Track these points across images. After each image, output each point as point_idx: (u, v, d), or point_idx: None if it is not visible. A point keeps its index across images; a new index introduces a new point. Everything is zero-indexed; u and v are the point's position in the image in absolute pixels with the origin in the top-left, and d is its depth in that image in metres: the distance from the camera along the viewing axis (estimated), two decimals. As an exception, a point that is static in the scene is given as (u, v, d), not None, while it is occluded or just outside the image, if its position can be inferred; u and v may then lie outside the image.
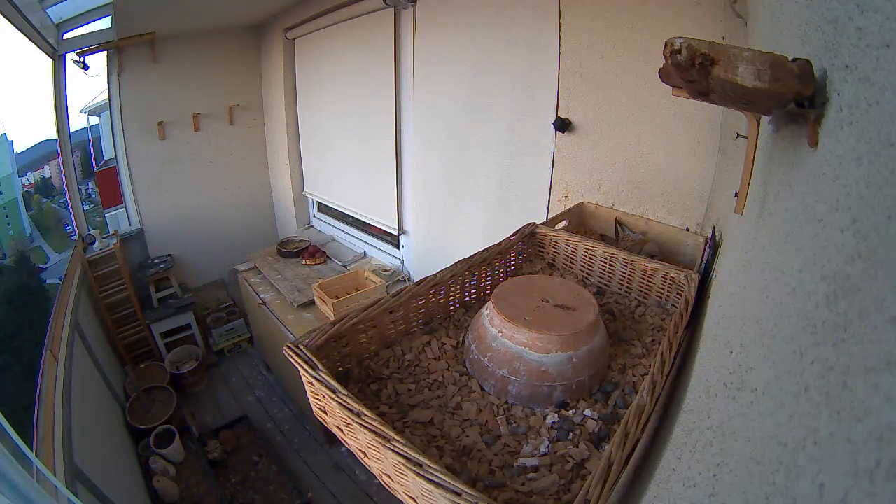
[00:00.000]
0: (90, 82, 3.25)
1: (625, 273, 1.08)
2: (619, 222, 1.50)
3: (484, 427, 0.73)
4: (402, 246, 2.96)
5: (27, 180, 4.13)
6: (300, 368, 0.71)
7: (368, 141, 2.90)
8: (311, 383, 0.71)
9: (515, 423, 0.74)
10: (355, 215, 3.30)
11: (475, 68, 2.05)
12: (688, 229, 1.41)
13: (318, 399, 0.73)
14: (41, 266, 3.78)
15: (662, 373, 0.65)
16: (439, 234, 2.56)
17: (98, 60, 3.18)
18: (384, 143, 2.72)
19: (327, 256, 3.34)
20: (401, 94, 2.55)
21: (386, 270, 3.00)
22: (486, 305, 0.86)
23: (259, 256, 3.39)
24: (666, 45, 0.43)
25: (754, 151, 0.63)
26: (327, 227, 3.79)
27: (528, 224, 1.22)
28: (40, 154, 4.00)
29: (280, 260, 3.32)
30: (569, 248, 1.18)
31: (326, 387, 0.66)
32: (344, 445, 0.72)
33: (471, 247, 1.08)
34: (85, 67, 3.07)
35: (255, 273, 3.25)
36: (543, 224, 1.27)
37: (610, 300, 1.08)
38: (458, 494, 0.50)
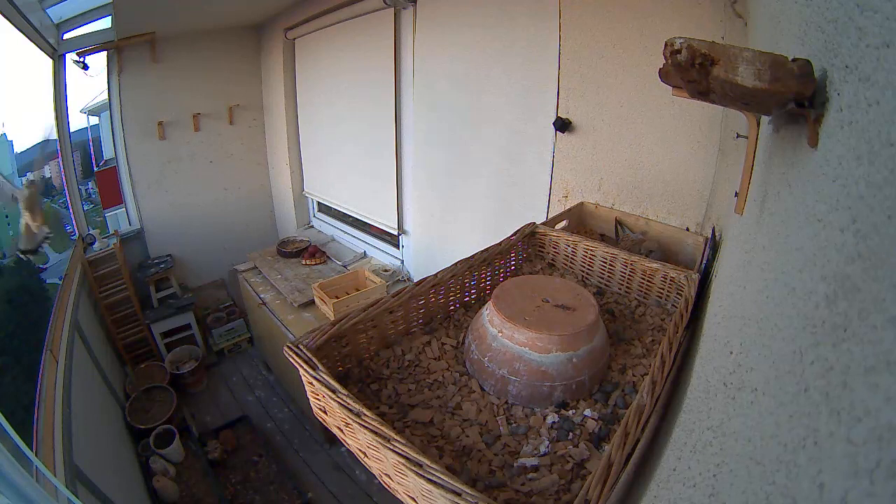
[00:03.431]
0: (90, 82, 3.25)
1: (625, 273, 1.08)
2: (619, 222, 1.50)
3: (484, 427, 0.73)
4: (402, 246, 2.96)
5: (27, 180, 4.12)
6: (300, 368, 0.71)
7: (368, 141, 2.90)
8: (311, 383, 0.71)
9: (515, 423, 0.74)
10: (355, 215, 3.30)
11: (475, 68, 2.04)
12: (688, 229, 1.41)
13: (318, 399, 0.73)
14: (41, 266, 3.78)
15: (662, 373, 0.65)
16: (439, 234, 2.56)
17: (98, 60, 3.18)
18: (384, 142, 2.72)
19: (327, 256, 3.34)
20: (401, 94, 2.55)
21: (386, 270, 3.00)
22: (486, 305, 0.86)
23: (259, 256, 3.39)
24: (666, 45, 0.43)
25: (754, 151, 0.63)
26: (327, 227, 3.79)
27: (528, 224, 1.22)
28: (40, 154, 3.99)
29: (280, 260, 3.32)
30: (569, 248, 1.18)
31: (326, 387, 0.66)
32: (344, 445, 0.72)
33: (471, 247, 1.08)
34: (85, 67, 3.06)
35: (255, 273, 3.25)
36: (543, 224, 1.27)
37: (610, 300, 1.08)
38: (458, 494, 0.50)
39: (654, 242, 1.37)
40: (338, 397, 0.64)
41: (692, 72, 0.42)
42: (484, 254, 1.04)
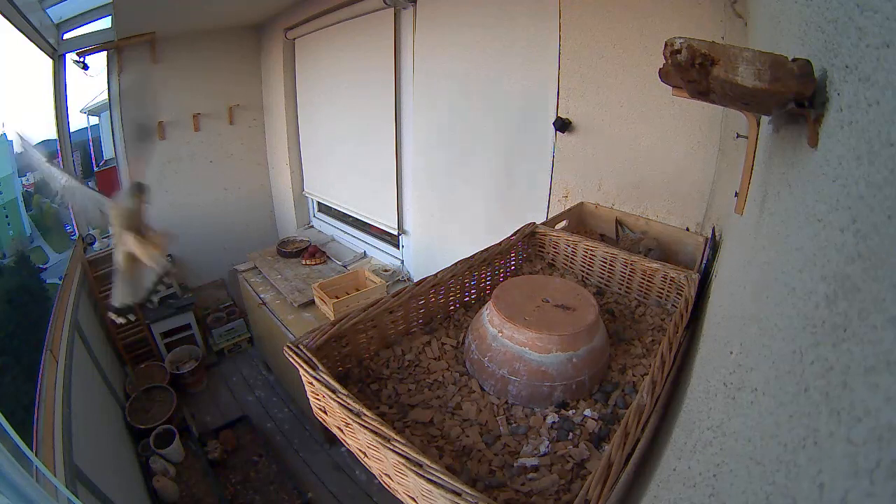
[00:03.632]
0: (90, 82, 3.25)
1: (625, 273, 1.08)
2: (619, 222, 1.50)
3: (484, 427, 0.73)
4: (402, 246, 2.96)
5: (27, 180, 4.12)
6: (300, 368, 0.71)
7: (368, 141, 2.90)
8: (311, 383, 0.71)
9: (515, 423, 0.74)
10: (355, 215, 3.30)
11: (475, 68, 2.04)
12: (688, 229, 1.41)
13: (318, 399, 0.73)
14: (41, 266, 3.78)
15: (662, 373, 0.65)
16: (439, 234, 2.56)
17: (98, 60, 3.18)
18: (384, 142, 2.72)
19: (327, 256, 3.34)
20: (401, 94, 2.55)
21: (386, 270, 3.00)
22: (486, 305, 0.86)
23: (259, 256, 3.39)
24: (666, 45, 0.43)
25: (754, 151, 0.63)
26: (327, 227, 3.79)
27: (528, 224, 1.22)
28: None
29: (280, 260, 3.32)
30: (569, 248, 1.18)
31: (326, 387, 0.66)
32: (344, 445, 0.72)
33: (471, 247, 1.08)
34: (85, 67, 3.07)
35: (255, 273, 3.25)
36: (543, 224, 1.27)
37: (610, 300, 1.08)
38: (458, 494, 0.50)
39: (653, 241, 1.37)
40: (338, 397, 0.64)
41: (692, 72, 0.42)
42: (484, 254, 1.04)
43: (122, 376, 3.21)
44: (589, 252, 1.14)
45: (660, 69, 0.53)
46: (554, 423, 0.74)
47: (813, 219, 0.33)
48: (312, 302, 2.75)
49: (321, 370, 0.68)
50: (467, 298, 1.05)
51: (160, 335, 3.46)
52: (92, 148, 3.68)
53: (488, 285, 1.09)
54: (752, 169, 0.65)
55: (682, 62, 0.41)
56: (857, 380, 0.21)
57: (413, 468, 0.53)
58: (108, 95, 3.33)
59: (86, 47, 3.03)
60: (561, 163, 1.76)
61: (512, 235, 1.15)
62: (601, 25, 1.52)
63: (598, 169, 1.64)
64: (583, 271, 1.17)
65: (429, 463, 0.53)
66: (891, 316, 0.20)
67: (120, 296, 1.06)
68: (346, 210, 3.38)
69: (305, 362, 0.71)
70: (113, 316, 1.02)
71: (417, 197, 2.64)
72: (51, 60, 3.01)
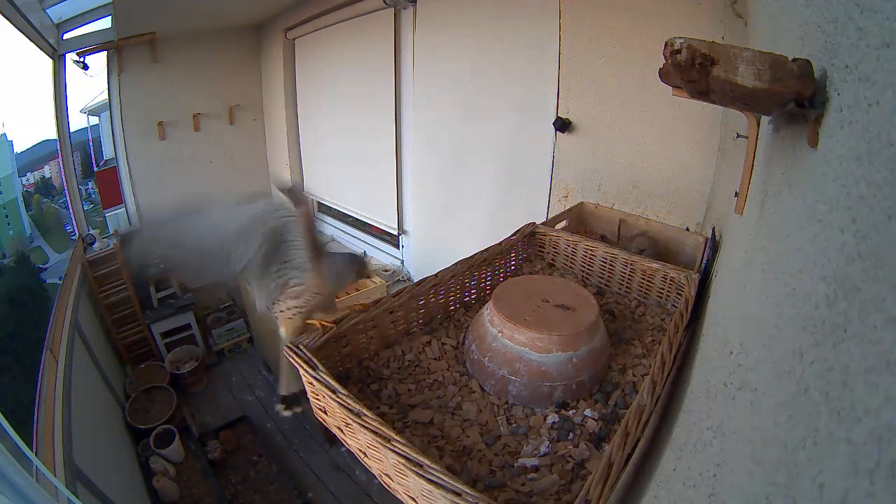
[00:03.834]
0: (90, 82, 3.26)
1: (625, 273, 1.08)
2: (621, 224, 1.50)
3: (484, 427, 0.73)
4: (402, 246, 2.96)
5: (27, 180, 4.12)
6: (300, 369, 0.71)
7: (368, 141, 2.90)
8: (311, 383, 0.71)
9: (515, 423, 0.74)
10: (355, 215, 3.30)
11: (475, 68, 2.04)
12: (688, 229, 1.41)
13: (318, 399, 0.73)
14: (41, 266, 3.78)
15: (662, 373, 0.65)
16: (439, 234, 2.56)
17: (98, 60, 3.19)
18: (384, 142, 2.72)
19: (327, 256, 3.34)
20: (401, 94, 2.55)
21: (386, 270, 3.00)
22: (487, 305, 0.86)
23: (259, 256, 3.38)
24: (666, 45, 0.43)
25: (754, 151, 0.63)
26: (327, 227, 3.79)
27: (528, 224, 1.22)
28: (40, 154, 4.00)
29: (280, 260, 3.32)
30: (569, 248, 1.18)
31: (326, 387, 0.66)
32: (344, 445, 0.72)
33: (471, 247, 1.08)
34: (85, 67, 3.07)
35: (255, 273, 3.25)
36: (543, 224, 1.27)
37: (610, 300, 1.08)
38: (459, 494, 0.50)
39: (645, 240, 1.36)
40: (338, 397, 0.64)
41: (692, 72, 0.42)
42: (484, 254, 1.04)
43: (122, 376, 3.21)
44: (589, 252, 1.14)
45: (660, 69, 0.53)
46: (554, 423, 0.74)
47: (813, 219, 0.33)
48: (312, 302, 2.74)
49: (321, 370, 0.68)
50: (467, 298, 1.05)
51: (160, 335, 3.47)
52: (92, 148, 3.68)
53: (488, 285, 1.09)
54: (752, 169, 0.65)
55: (682, 62, 0.41)
56: (857, 380, 0.21)
57: (413, 468, 0.53)
58: (108, 95, 3.34)
59: (86, 47, 3.03)
60: (561, 163, 1.76)
61: (512, 235, 1.15)
62: (601, 25, 1.52)
63: (598, 169, 1.64)
64: (583, 271, 1.17)
65: (429, 463, 0.53)
66: (891, 316, 0.20)
67: (287, 384, 0.86)
68: (346, 210, 3.38)
69: (305, 362, 0.70)
70: (282, 409, 0.79)
71: (417, 197, 2.64)
72: (51, 60, 3.01)
